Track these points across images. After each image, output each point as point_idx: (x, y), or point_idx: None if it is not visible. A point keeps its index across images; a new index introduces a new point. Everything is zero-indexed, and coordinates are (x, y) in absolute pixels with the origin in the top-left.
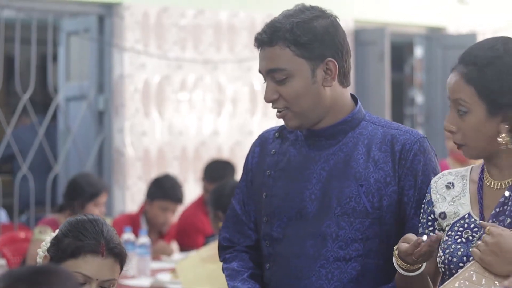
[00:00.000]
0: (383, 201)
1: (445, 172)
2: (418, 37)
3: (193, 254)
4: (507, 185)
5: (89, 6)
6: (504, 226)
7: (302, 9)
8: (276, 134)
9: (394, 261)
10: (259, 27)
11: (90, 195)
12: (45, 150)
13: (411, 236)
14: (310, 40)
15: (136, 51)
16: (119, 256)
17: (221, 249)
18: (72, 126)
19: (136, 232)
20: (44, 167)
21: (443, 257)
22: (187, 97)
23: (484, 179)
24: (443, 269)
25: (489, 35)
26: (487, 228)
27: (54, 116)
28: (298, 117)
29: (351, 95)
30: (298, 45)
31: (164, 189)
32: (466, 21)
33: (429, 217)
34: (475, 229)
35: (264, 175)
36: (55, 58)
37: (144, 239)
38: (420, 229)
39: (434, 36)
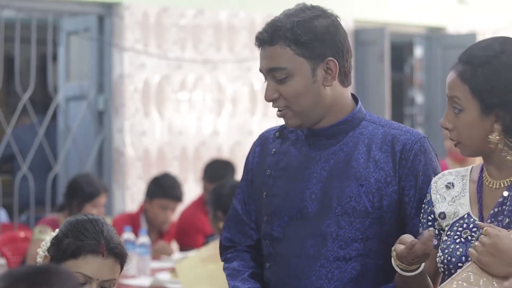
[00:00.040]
0: (383, 201)
1: (445, 172)
2: (418, 37)
3: (193, 254)
4: (506, 185)
5: (89, 6)
6: (502, 226)
7: (303, 9)
8: (277, 134)
9: (393, 261)
10: (259, 27)
11: (89, 195)
12: (45, 150)
13: (407, 238)
14: (310, 39)
15: (136, 51)
16: (120, 256)
17: (223, 249)
18: (72, 126)
19: (136, 232)
20: (44, 167)
21: (442, 257)
22: (187, 97)
23: (484, 178)
24: (442, 269)
25: (489, 35)
26: (484, 228)
27: (54, 116)
28: (298, 116)
29: (352, 94)
30: (298, 44)
31: (163, 187)
32: (466, 21)
33: (429, 217)
34: (474, 229)
35: (265, 174)
36: (55, 58)
37: (144, 238)
38: (421, 229)
39: (434, 36)
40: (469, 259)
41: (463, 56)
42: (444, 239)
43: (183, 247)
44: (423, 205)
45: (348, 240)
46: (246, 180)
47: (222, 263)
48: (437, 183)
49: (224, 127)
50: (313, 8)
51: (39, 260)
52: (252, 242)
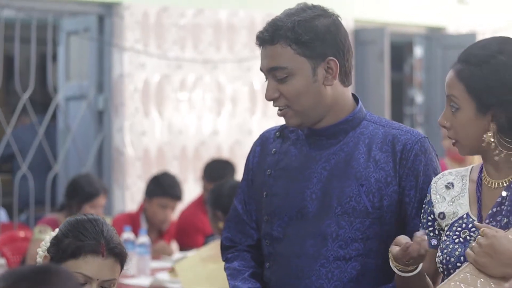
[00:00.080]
0: (383, 201)
1: (445, 172)
2: (417, 37)
3: (193, 254)
4: (505, 185)
5: (89, 5)
6: (501, 226)
7: (304, 8)
8: (277, 133)
9: (390, 262)
10: (258, 26)
11: (88, 195)
12: (45, 149)
13: (402, 239)
14: (311, 38)
15: (136, 50)
16: (120, 256)
17: (223, 249)
18: (72, 125)
19: (136, 231)
20: (44, 167)
21: (441, 257)
22: (187, 97)
23: (483, 178)
24: (441, 269)
25: (488, 35)
26: (481, 229)
27: (54, 116)
28: (299, 115)
29: (352, 94)
30: (299, 44)
31: (163, 186)
32: (465, 21)
33: (429, 217)
34: (473, 229)
35: (265, 174)
36: (54, 57)
37: (143, 238)
38: (421, 229)
39: (434, 36)
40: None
41: (462, 55)
42: (443, 239)
43: (183, 247)
44: (423, 205)
45: (348, 240)
46: (246, 180)
47: (222, 263)
48: (437, 183)
49: (223, 127)
50: (314, 7)
51: (39, 260)
52: (252, 242)
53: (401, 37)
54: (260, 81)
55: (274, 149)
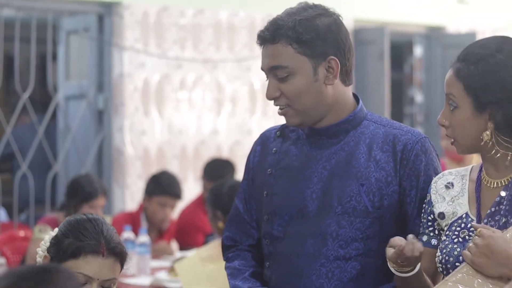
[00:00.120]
0: (383, 201)
1: (446, 172)
2: (417, 36)
3: (193, 254)
4: (504, 184)
5: (89, 5)
6: (499, 226)
7: (305, 7)
8: (278, 133)
9: (388, 262)
10: (258, 26)
11: (86, 196)
12: (45, 149)
13: (397, 240)
14: (312, 38)
15: (136, 50)
16: (120, 256)
17: (224, 248)
18: (72, 125)
19: (136, 231)
20: (44, 166)
21: (440, 257)
22: (187, 96)
23: (482, 178)
24: (441, 269)
25: (488, 34)
26: (478, 230)
27: (54, 115)
28: (300, 114)
29: (353, 94)
30: (300, 43)
31: (162, 185)
32: (465, 21)
33: (429, 217)
34: (472, 229)
35: (265, 173)
36: (54, 57)
37: (144, 237)
38: (421, 229)
39: (434, 36)
40: None
41: (461, 54)
42: (442, 239)
43: (183, 246)
44: (424, 205)
45: (348, 239)
46: (247, 180)
47: (221, 264)
48: (437, 183)
49: (223, 126)
50: (315, 6)
51: (39, 260)
52: (253, 241)
53: (401, 37)
54: (260, 81)
55: (274, 149)
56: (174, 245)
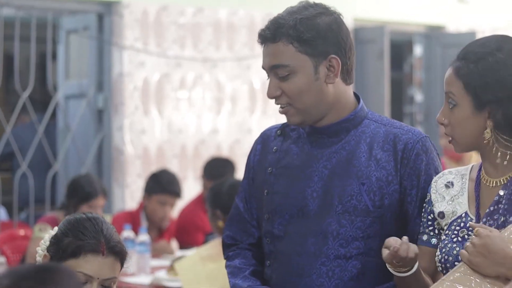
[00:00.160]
0: (384, 200)
1: (446, 171)
2: (417, 36)
3: (193, 253)
4: (502, 183)
5: (89, 4)
6: (498, 225)
7: (306, 6)
8: (278, 131)
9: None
10: (258, 25)
11: (86, 196)
12: (45, 148)
13: (392, 241)
14: (313, 36)
15: (136, 49)
16: (120, 254)
17: (225, 247)
18: (72, 124)
19: (136, 230)
20: (44, 165)
21: (439, 256)
22: (187, 95)
23: (481, 177)
24: (440, 268)
25: (488, 34)
26: (475, 229)
27: (54, 114)
28: (301, 113)
29: (354, 93)
30: (301, 42)
31: (162, 183)
32: (465, 20)
33: (429, 217)
34: (471, 228)
35: (266, 172)
36: (54, 56)
37: (144, 236)
38: (421, 229)
39: (434, 35)
40: None
41: (461, 52)
42: (442, 238)
43: (183, 245)
44: (424, 205)
45: (349, 238)
46: (247, 178)
47: (221, 263)
48: (437, 182)
49: (223, 125)
50: (315, 5)
51: (39, 259)
52: (253, 240)
53: (401, 36)
54: (259, 79)
55: (275, 147)
56: (174, 244)
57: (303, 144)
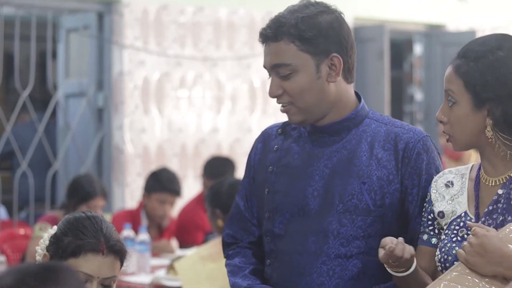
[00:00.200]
0: (385, 199)
1: (446, 171)
2: (417, 35)
3: (193, 252)
4: (501, 182)
5: (89, 3)
6: (496, 224)
7: (307, 5)
8: (279, 130)
9: None
10: (258, 24)
11: (85, 196)
12: (45, 147)
13: (388, 241)
14: (314, 35)
15: (136, 48)
16: (119, 253)
17: (225, 246)
18: (72, 123)
19: (136, 229)
20: (44, 164)
21: (439, 255)
22: (187, 94)
23: (480, 176)
24: (440, 268)
25: (488, 32)
26: (472, 229)
27: (54, 113)
28: (302, 112)
29: (355, 92)
30: (302, 40)
31: (161, 181)
32: (465, 19)
33: (429, 216)
34: (469, 227)
35: (267, 171)
36: (54, 55)
37: (143, 235)
38: (421, 228)
39: (434, 34)
40: None
41: (461, 51)
42: (442, 238)
43: (183, 244)
44: (424, 204)
45: (349, 237)
46: (248, 177)
47: (221, 263)
48: (437, 181)
49: (223, 125)
50: (317, 4)
51: (38, 258)
52: (254, 239)
53: (401, 35)
54: (259, 78)
55: (276, 146)
56: (174, 243)
57: (304, 143)
